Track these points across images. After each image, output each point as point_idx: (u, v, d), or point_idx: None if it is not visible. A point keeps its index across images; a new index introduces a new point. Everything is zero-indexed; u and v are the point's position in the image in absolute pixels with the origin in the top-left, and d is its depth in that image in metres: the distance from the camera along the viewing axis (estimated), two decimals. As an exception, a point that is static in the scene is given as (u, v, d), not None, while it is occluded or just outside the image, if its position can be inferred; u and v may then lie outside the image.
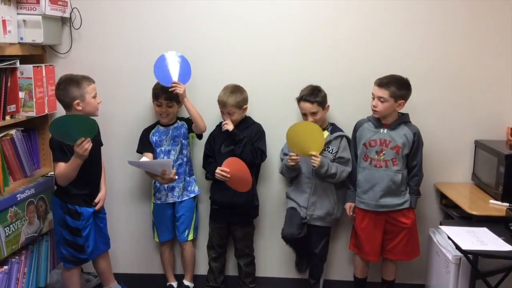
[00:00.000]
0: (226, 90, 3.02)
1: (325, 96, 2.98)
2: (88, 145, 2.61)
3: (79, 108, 2.73)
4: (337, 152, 3.00)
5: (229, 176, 2.89)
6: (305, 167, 3.01)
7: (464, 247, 2.38)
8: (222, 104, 2.99)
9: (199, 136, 3.15)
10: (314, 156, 2.84)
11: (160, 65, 2.99)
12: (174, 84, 2.93)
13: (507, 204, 2.72)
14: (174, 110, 3.07)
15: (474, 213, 2.69)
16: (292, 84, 3.11)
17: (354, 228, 3.06)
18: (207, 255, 3.24)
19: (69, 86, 2.72)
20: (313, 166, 2.87)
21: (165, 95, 2.99)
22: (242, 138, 2.97)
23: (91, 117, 2.67)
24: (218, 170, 2.91)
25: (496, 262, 2.60)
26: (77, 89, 2.71)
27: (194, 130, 3.09)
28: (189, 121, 3.11)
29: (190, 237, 3.19)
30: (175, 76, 2.97)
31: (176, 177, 2.98)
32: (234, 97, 2.98)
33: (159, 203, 3.15)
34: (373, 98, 2.87)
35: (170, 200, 3.12)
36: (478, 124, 3.15)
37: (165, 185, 3.07)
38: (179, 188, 3.11)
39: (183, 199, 3.13)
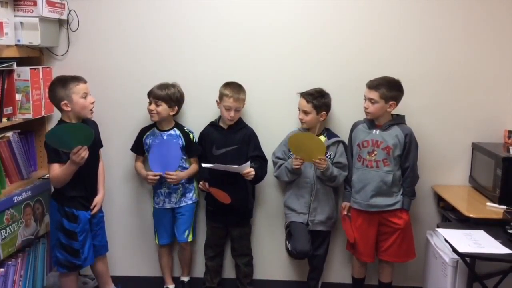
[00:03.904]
0: (233, 85, 3.01)
1: (325, 104, 2.97)
2: (84, 153, 2.59)
3: (68, 108, 2.71)
4: (334, 157, 3.01)
5: (210, 191, 3.00)
6: (304, 170, 3.00)
7: (461, 250, 2.38)
8: (235, 99, 2.95)
9: None
10: (321, 159, 2.84)
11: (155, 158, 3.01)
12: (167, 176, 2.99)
13: (504, 207, 2.73)
14: (163, 110, 2.99)
15: (471, 215, 2.69)
16: (288, 87, 3.12)
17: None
18: (203, 256, 3.24)
19: (56, 87, 2.71)
20: (320, 169, 2.88)
21: (153, 94, 2.99)
22: (259, 175, 3.03)
23: (87, 125, 2.66)
24: (200, 185, 3.05)
25: (493, 264, 2.60)
26: (62, 89, 2.69)
27: None
28: (185, 135, 3.09)
29: (190, 238, 3.18)
30: (167, 167, 3.00)
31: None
32: (243, 92, 3.01)
33: (157, 207, 3.15)
34: (365, 100, 2.89)
35: (168, 206, 3.11)
36: (475, 127, 3.15)
37: (163, 191, 3.07)
38: (177, 194, 3.10)
39: (181, 205, 3.12)
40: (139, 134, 3.13)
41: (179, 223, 3.15)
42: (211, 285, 3.22)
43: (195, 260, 3.34)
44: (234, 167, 2.91)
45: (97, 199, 2.91)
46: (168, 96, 2.99)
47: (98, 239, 2.96)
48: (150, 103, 3.02)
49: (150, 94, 3.02)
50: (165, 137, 3.06)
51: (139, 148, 3.13)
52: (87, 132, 2.60)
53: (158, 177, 3.00)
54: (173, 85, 3.03)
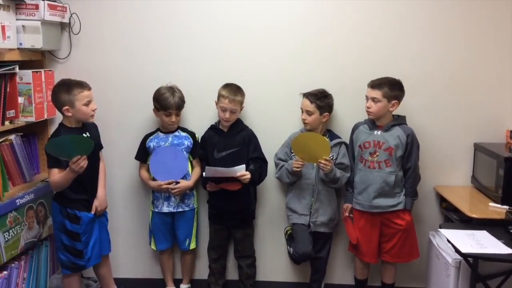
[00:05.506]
0: (231, 86, 3.00)
1: (328, 105, 2.98)
2: (83, 163, 2.60)
3: (69, 114, 2.71)
4: (336, 158, 3.01)
5: (218, 188, 2.97)
6: (305, 172, 3.01)
7: (463, 250, 2.38)
8: (230, 100, 2.94)
9: None
10: (326, 160, 2.84)
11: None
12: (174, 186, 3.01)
13: (507, 207, 2.72)
14: (180, 116, 3.05)
15: (474, 216, 2.69)
16: (290, 88, 3.13)
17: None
18: (207, 259, 3.24)
19: (59, 92, 2.70)
20: (324, 171, 2.88)
21: (176, 105, 2.96)
22: (256, 177, 3.00)
23: (87, 137, 2.70)
24: (208, 188, 3.00)
25: (496, 265, 2.60)
26: (66, 95, 2.68)
27: None
28: (192, 135, 3.10)
29: (192, 246, 3.18)
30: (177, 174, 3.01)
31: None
32: (240, 94, 2.99)
33: (156, 211, 3.12)
34: (367, 100, 2.90)
35: (166, 209, 3.09)
36: (477, 127, 3.15)
37: (162, 194, 3.06)
38: (175, 198, 3.08)
39: (178, 210, 3.10)
40: (142, 141, 3.11)
41: (180, 231, 3.14)
42: (216, 287, 3.22)
43: (199, 262, 3.34)
44: (226, 170, 2.88)
45: (96, 201, 2.88)
46: (183, 101, 3.00)
47: (101, 238, 2.94)
48: (168, 115, 2.97)
49: (169, 107, 2.94)
50: (170, 139, 3.06)
51: (143, 154, 3.11)
52: (87, 143, 2.61)
53: (173, 183, 3.00)
54: (174, 87, 3.02)
